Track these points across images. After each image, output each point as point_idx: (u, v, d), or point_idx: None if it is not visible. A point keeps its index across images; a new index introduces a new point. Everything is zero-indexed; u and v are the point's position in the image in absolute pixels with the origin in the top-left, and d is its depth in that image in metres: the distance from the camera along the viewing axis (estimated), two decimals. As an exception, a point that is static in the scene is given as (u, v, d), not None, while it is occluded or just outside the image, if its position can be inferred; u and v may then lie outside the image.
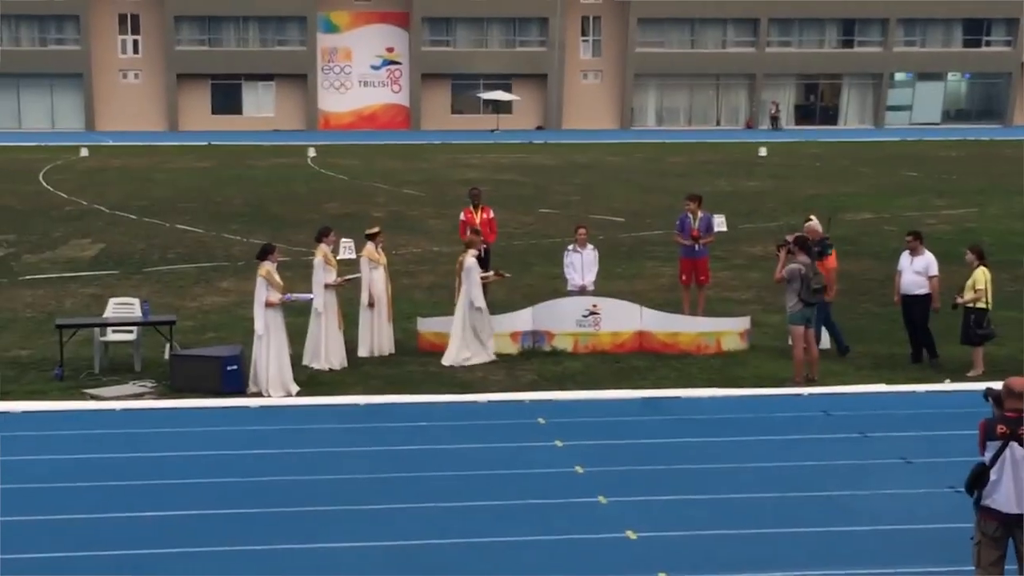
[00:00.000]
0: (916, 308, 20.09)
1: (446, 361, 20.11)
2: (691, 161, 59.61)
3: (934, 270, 19.93)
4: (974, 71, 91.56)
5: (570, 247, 22.14)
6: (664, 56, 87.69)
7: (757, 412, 17.60)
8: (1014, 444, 10.19)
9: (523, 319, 20.84)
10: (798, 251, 19.02)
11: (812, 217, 21.57)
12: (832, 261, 20.60)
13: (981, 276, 19.36)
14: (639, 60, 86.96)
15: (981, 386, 17.54)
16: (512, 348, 20.72)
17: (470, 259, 20.41)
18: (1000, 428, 10.25)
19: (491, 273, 21.05)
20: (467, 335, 20.20)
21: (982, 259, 19.59)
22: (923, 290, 19.95)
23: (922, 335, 20.22)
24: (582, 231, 22.14)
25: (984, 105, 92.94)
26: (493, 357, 20.29)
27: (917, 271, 19.99)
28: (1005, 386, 10.35)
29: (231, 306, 24.54)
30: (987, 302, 19.43)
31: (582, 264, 21.83)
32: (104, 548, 12.48)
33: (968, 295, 19.43)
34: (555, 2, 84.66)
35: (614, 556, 12.31)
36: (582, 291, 21.67)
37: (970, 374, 19.39)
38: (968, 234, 32.84)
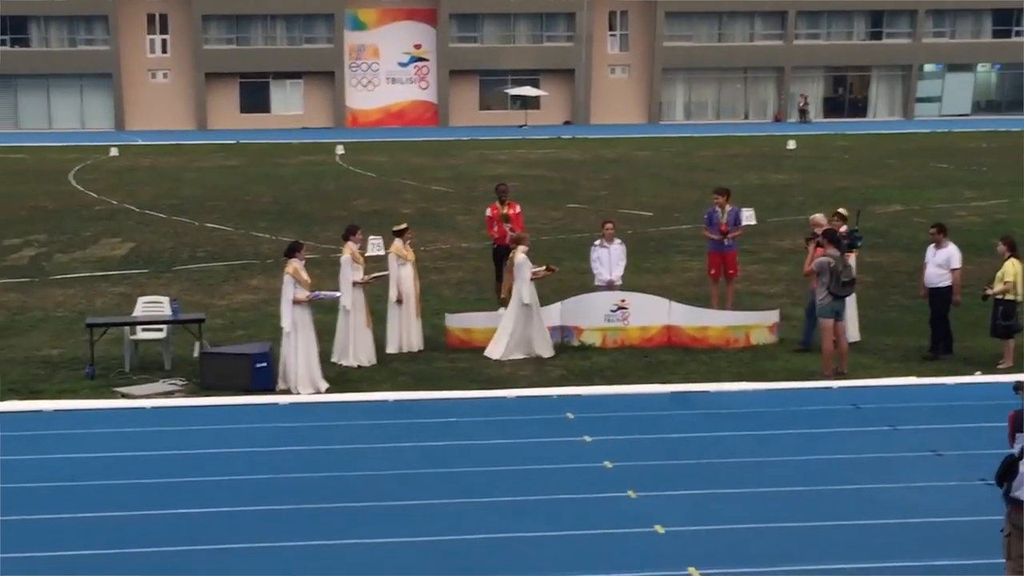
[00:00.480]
0: (937, 300, 20.03)
1: (493, 355, 20.15)
2: (719, 155, 59.47)
3: (956, 263, 19.86)
4: (1004, 62, 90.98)
5: (597, 242, 22.12)
6: (692, 50, 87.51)
7: (786, 406, 17.57)
8: (1043, 436, 10.16)
9: (551, 314, 20.84)
10: (827, 244, 18.97)
11: (841, 210, 21.49)
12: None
13: (1011, 268, 19.29)
14: (667, 54, 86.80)
15: (1010, 378, 17.60)
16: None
17: (520, 255, 20.41)
18: (1029, 420, 10.22)
19: (542, 268, 21.03)
20: (516, 333, 20.22)
21: (1014, 251, 19.51)
22: (945, 282, 19.90)
23: (940, 327, 20.13)
24: (609, 226, 22.12)
25: (1014, 96, 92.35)
26: (551, 352, 20.29)
27: (939, 264, 19.94)
28: (1034, 378, 10.33)
29: (260, 304, 24.62)
30: (1017, 294, 19.32)
31: (610, 259, 21.80)
32: (135, 546, 12.55)
33: (997, 287, 19.35)
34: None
35: (643, 551, 12.31)
36: (610, 286, 21.66)
37: (1000, 366, 19.32)
38: (999, 226, 32.66)
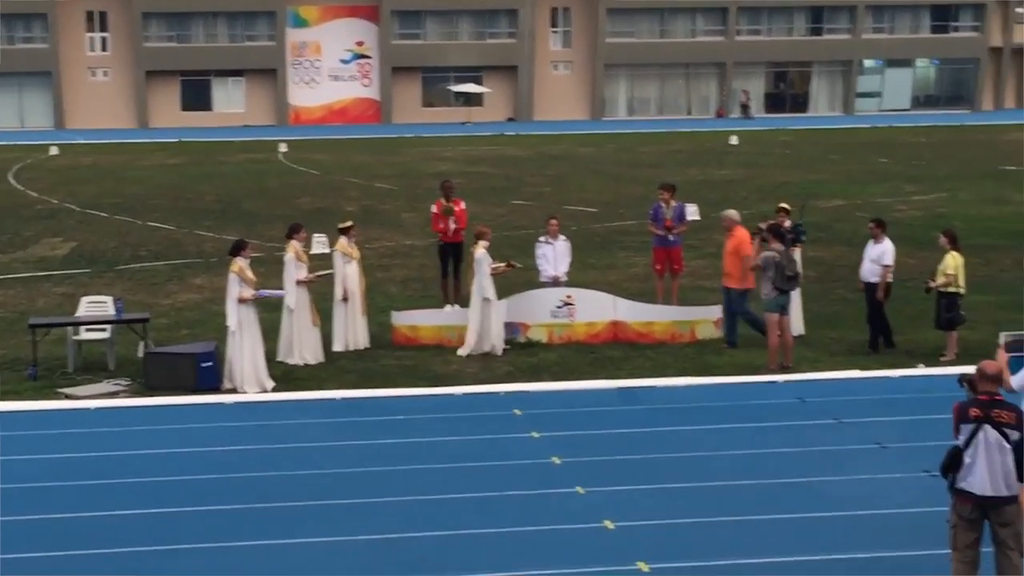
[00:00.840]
0: (873, 295, 20.19)
1: (463, 352, 20.19)
2: (662, 151, 59.69)
3: (887, 259, 19.98)
4: (942, 57, 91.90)
5: (542, 238, 22.14)
6: (634, 46, 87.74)
7: (732, 400, 17.68)
8: (987, 427, 10.27)
9: (498, 311, 20.82)
10: (772, 239, 19.09)
11: (783, 205, 21.61)
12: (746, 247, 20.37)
13: (951, 260, 19.50)
14: (609, 50, 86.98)
15: (954, 371, 17.77)
16: (487, 340, 20.73)
17: (480, 250, 20.41)
18: (973, 411, 10.33)
19: (502, 264, 21.05)
20: (480, 328, 20.23)
21: (955, 244, 19.71)
22: (876, 277, 20.03)
23: (877, 322, 20.30)
24: (554, 222, 22.14)
25: (953, 91, 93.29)
26: (501, 350, 20.32)
27: (874, 259, 20.10)
28: (978, 370, 10.44)
29: (204, 303, 24.48)
30: (959, 286, 19.52)
31: (555, 255, 21.82)
32: (82, 547, 12.46)
33: (940, 279, 19.54)
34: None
35: (593, 546, 12.35)
36: (555, 282, 21.68)
37: (942, 358, 19.51)
38: (940, 220, 32.98)
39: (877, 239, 20.13)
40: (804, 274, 20.93)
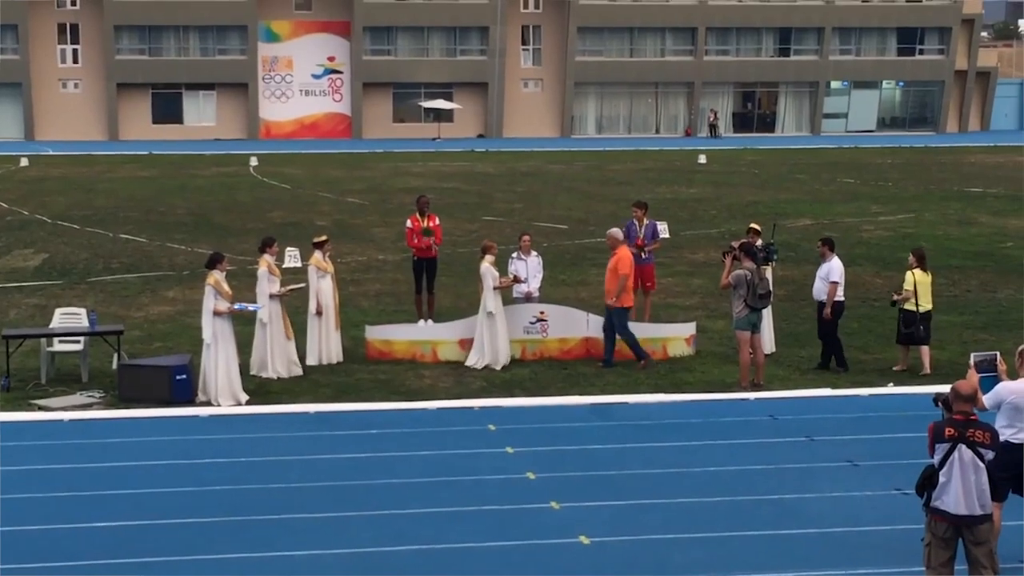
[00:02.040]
0: (820, 315, 20.38)
1: (468, 363, 20.42)
2: (632, 169, 59.92)
3: (834, 276, 20.10)
4: (908, 79, 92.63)
5: (515, 255, 22.21)
6: (604, 64, 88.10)
7: (704, 417, 17.78)
8: (962, 446, 10.40)
9: (471, 326, 20.90)
10: (744, 257, 19.24)
11: (754, 225, 21.78)
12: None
13: (910, 277, 20.05)
14: (579, 68, 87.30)
15: (923, 389, 18.01)
16: (460, 355, 20.79)
17: (485, 265, 20.49)
18: (948, 430, 10.46)
19: (508, 278, 21.14)
20: (486, 341, 20.37)
21: (921, 262, 20.10)
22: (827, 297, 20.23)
23: (827, 341, 20.47)
24: (526, 238, 22.24)
25: (918, 113, 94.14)
26: (504, 362, 20.44)
27: (821, 277, 20.29)
28: (953, 389, 10.58)
29: (177, 315, 24.47)
30: (916, 304, 19.85)
31: (527, 271, 21.91)
32: (54, 560, 12.43)
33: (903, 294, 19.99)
34: (495, 11, 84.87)
35: (568, 562, 12.42)
36: (528, 298, 21.77)
37: (895, 368, 20.10)
38: (906, 240, 33.28)
39: (825, 257, 20.31)
40: (774, 293, 21.08)
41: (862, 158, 66.62)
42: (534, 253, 22.16)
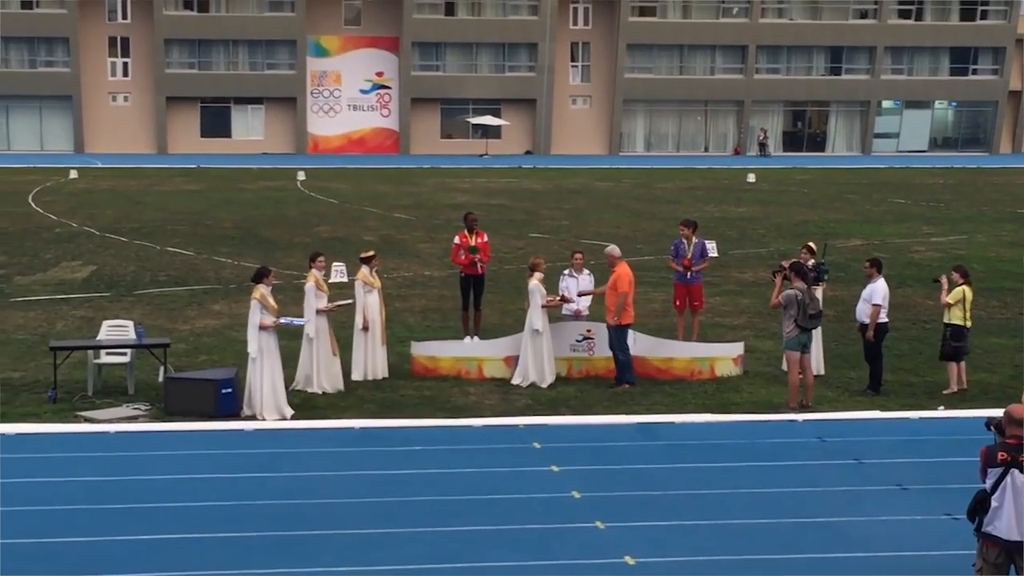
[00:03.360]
0: (864, 336, 20.16)
1: (514, 380, 20.37)
2: (680, 187, 59.74)
3: (876, 299, 19.84)
4: (961, 99, 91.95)
5: (566, 272, 22.14)
6: (653, 82, 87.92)
7: (751, 438, 17.61)
8: (1015, 471, 10.23)
9: (516, 343, 20.80)
10: (794, 277, 19.06)
11: (810, 244, 21.60)
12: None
13: (958, 292, 19.95)
14: (628, 86, 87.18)
15: (973, 413, 17.79)
16: (506, 373, 20.71)
17: (533, 282, 20.44)
18: (1001, 455, 10.29)
19: (555, 297, 21.07)
20: (530, 359, 20.33)
21: (966, 279, 20.11)
22: (869, 318, 19.96)
23: (869, 362, 20.24)
24: (578, 256, 22.14)
25: (970, 133, 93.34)
26: (550, 380, 20.36)
27: (865, 299, 20.06)
28: (1006, 413, 10.41)
29: (223, 329, 24.51)
30: (965, 319, 19.91)
31: (577, 289, 21.80)
32: (99, 571, 12.44)
33: (944, 296, 20.05)
34: (544, 28, 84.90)
35: (612, 581, 12.32)
36: (577, 316, 21.68)
37: (945, 392, 19.83)
38: (957, 261, 32.86)
39: (872, 278, 20.09)
40: (824, 313, 20.88)
41: (913, 178, 66.17)
42: (586, 271, 22.08)
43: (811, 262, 20.58)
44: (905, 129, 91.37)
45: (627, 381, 20.19)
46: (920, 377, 21.08)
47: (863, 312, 20.06)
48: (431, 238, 38.55)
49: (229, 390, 18.47)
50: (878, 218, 46.10)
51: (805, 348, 19.08)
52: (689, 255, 22.87)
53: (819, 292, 20.20)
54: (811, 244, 21.66)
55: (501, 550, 13.07)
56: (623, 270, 20.45)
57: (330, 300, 20.15)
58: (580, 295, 21.62)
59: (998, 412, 10.73)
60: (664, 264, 28.82)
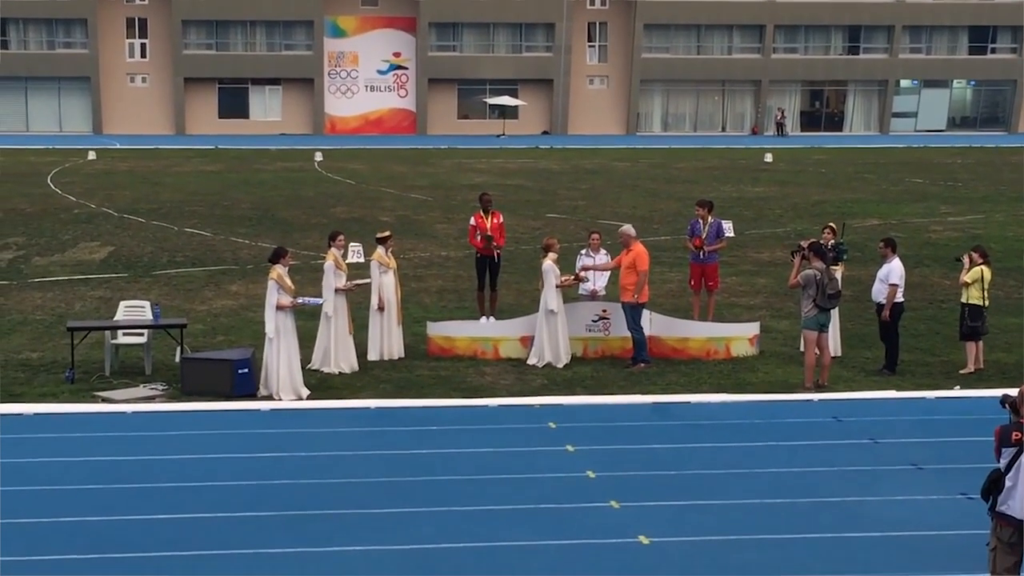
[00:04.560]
0: (879, 316, 20.11)
1: (530, 360, 20.37)
2: (697, 167, 59.64)
3: (893, 278, 19.79)
4: (979, 78, 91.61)
5: (583, 251, 22.15)
6: (670, 62, 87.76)
7: (767, 418, 17.61)
8: (1029, 451, 10.21)
9: (532, 324, 20.83)
10: (813, 257, 19.03)
11: (832, 224, 21.55)
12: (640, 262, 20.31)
13: (977, 272, 19.88)
14: (645, 66, 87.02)
15: (989, 393, 17.76)
16: (521, 353, 20.73)
17: (547, 262, 20.45)
18: (1016, 435, 10.27)
19: (570, 276, 21.08)
20: (545, 339, 20.35)
21: (985, 259, 20.06)
22: (885, 298, 19.91)
23: (885, 342, 20.20)
24: (595, 236, 22.11)
25: (989, 112, 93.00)
26: (565, 360, 20.37)
27: (881, 279, 20.00)
28: (1021, 393, 10.38)
29: (240, 309, 24.58)
30: (984, 299, 19.89)
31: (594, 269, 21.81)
32: (116, 551, 12.51)
33: (964, 276, 20.03)
34: (562, 7, 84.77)
35: (627, 561, 12.33)
36: (593, 296, 21.70)
37: (961, 372, 19.66)
38: (975, 241, 32.79)
39: (887, 258, 20.03)
40: (841, 293, 20.85)
41: (931, 158, 65.95)
42: (603, 251, 22.08)
43: (831, 242, 20.55)
44: (923, 108, 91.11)
45: (642, 360, 20.20)
46: (936, 357, 21.05)
47: (879, 292, 20.03)
48: (448, 219, 38.57)
49: (245, 370, 18.52)
50: (896, 198, 45.96)
51: (823, 328, 19.06)
52: (704, 235, 22.83)
53: (838, 272, 20.15)
54: (832, 224, 21.63)
55: (516, 529, 13.11)
56: (641, 249, 20.43)
57: (348, 279, 20.18)
58: (583, 270, 21.52)
59: (1014, 391, 10.70)
60: (680, 244, 28.84)
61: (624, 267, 20.45)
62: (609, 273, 22.02)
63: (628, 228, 21.10)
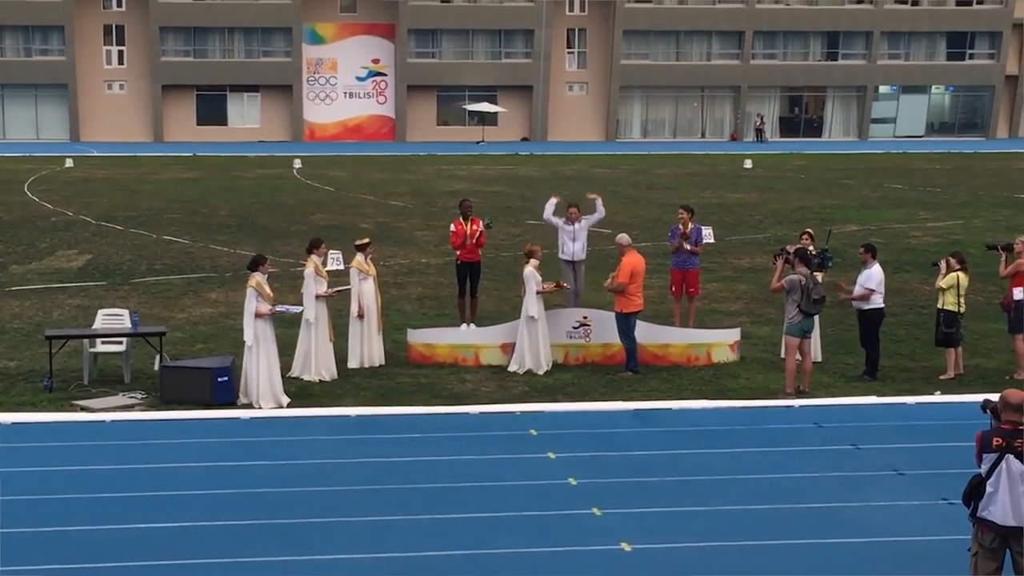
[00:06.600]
0: (863, 321, 20.11)
1: (511, 368, 20.37)
2: (677, 173, 59.69)
3: (870, 283, 19.81)
4: (958, 84, 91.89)
5: (562, 221, 23.37)
6: (649, 68, 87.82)
7: (748, 424, 17.61)
8: (1010, 457, 10.22)
9: (513, 331, 20.79)
10: (797, 263, 19.03)
11: (809, 230, 21.57)
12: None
13: (952, 278, 19.96)
14: (624, 72, 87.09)
15: (970, 398, 17.78)
16: (502, 360, 20.70)
17: (528, 268, 20.43)
18: (996, 440, 10.28)
19: (551, 284, 21.07)
20: (526, 346, 20.31)
21: (963, 265, 20.11)
22: (866, 304, 19.92)
23: (865, 348, 20.20)
24: (574, 210, 23.20)
25: (967, 118, 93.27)
26: (546, 367, 20.34)
27: (861, 284, 19.99)
28: (1002, 398, 10.39)
29: (220, 317, 24.49)
30: (960, 306, 19.93)
31: (575, 234, 22.94)
32: (96, 561, 12.44)
33: (939, 281, 20.08)
34: (540, 14, 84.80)
35: (610, 568, 12.31)
36: (573, 262, 22.87)
37: (941, 378, 19.70)
38: (954, 246, 32.87)
39: (867, 264, 20.06)
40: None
41: (910, 163, 66.12)
42: (584, 218, 23.37)
43: (811, 248, 20.55)
44: (902, 114, 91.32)
45: (629, 368, 20.20)
46: (916, 362, 21.09)
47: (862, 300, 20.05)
48: (427, 225, 38.53)
49: (225, 378, 18.46)
50: (875, 203, 46.07)
51: (806, 334, 19.08)
52: (680, 240, 22.98)
53: (820, 279, 20.16)
54: (810, 230, 21.65)
55: (498, 536, 13.07)
56: (625, 260, 20.39)
57: (329, 287, 20.13)
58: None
59: (995, 396, 10.70)
60: (661, 250, 28.85)
61: (633, 275, 20.34)
62: (586, 240, 23.32)
63: (621, 237, 21.12)
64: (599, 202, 23.90)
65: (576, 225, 23.38)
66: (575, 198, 25.61)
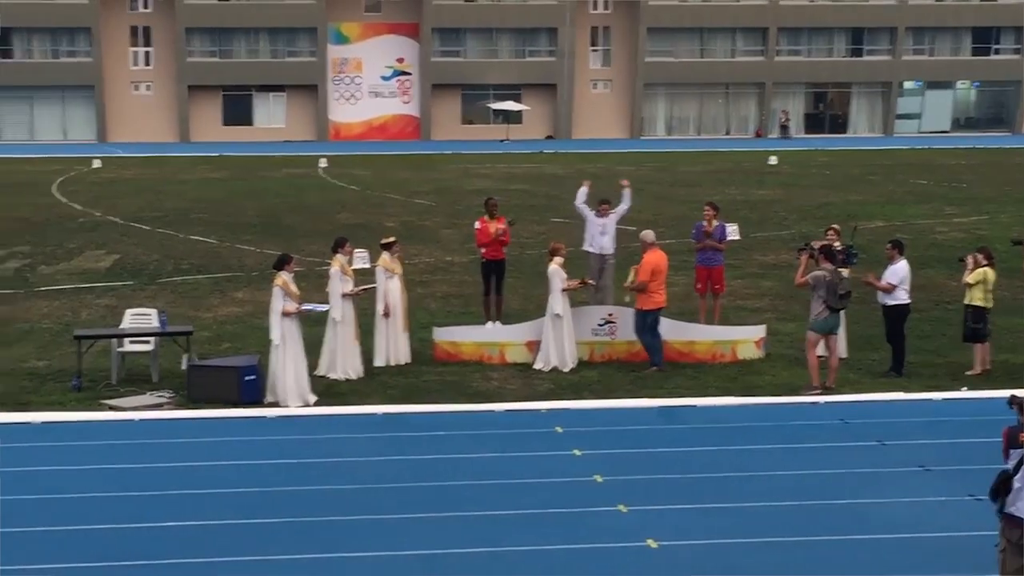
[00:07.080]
0: (891, 317, 20.07)
1: (536, 365, 20.39)
2: (702, 170, 59.61)
3: (893, 279, 19.81)
4: (983, 79, 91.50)
5: (593, 213, 23.84)
6: (673, 65, 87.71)
7: (774, 420, 17.61)
8: (1037, 452, 10.22)
9: (538, 328, 20.83)
10: (822, 259, 19.00)
11: (834, 226, 21.54)
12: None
13: (980, 273, 19.87)
14: (648, 69, 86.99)
15: (997, 394, 17.73)
16: (528, 357, 20.74)
17: (552, 266, 20.47)
18: (1023, 436, 10.27)
19: (576, 281, 21.10)
20: (551, 343, 20.36)
21: (991, 261, 20.04)
22: (891, 300, 19.89)
23: (891, 344, 20.17)
24: (605, 207, 23.41)
25: (993, 113, 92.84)
26: (572, 365, 20.37)
27: (888, 280, 19.97)
28: (1028, 393, 10.39)
29: (246, 316, 24.60)
30: (986, 301, 19.88)
31: (606, 228, 23.29)
32: (124, 559, 12.51)
33: (967, 278, 19.96)
34: (564, 12, 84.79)
35: (636, 565, 12.34)
36: (602, 255, 23.10)
37: (968, 374, 19.65)
38: (980, 242, 32.73)
39: (893, 260, 20.02)
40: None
41: (936, 159, 65.89)
42: (612, 212, 23.75)
43: (837, 244, 20.51)
44: (927, 110, 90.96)
45: (654, 363, 20.21)
46: (943, 358, 21.04)
47: (885, 294, 20.02)
48: (452, 224, 38.58)
49: (252, 377, 18.54)
50: (900, 199, 45.93)
51: (832, 330, 19.06)
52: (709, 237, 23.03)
53: (845, 274, 20.13)
54: (836, 226, 21.62)
55: (524, 534, 13.11)
56: (648, 257, 20.40)
57: (354, 285, 20.20)
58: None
59: (1022, 392, 10.70)
60: (686, 247, 28.82)
61: (657, 272, 20.38)
62: (614, 234, 23.51)
63: (645, 234, 21.15)
64: (628, 193, 23.89)
65: (606, 219, 23.54)
66: (602, 195, 25.57)
